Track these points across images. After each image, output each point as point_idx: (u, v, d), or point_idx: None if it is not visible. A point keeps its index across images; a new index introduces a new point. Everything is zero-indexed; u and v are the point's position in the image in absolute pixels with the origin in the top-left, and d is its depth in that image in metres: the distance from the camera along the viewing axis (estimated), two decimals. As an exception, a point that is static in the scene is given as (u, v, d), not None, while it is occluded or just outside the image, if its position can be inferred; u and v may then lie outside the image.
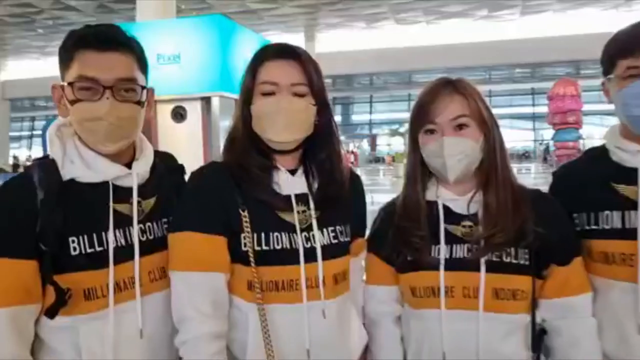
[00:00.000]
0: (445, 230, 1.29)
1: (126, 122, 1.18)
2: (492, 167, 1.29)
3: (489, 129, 1.29)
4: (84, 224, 1.14)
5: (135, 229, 1.20)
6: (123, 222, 1.19)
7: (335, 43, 24.57)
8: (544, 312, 1.31)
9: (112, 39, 1.17)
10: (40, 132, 34.72)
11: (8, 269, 1.08)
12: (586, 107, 16.37)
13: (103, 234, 1.16)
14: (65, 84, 1.16)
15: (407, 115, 1.38)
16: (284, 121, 1.20)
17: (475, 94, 1.29)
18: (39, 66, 29.87)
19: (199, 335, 1.14)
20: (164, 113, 4.36)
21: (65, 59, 1.17)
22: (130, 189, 1.21)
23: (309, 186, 1.27)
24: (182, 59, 4.45)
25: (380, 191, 15.22)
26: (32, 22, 21.51)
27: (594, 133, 31.52)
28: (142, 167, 1.26)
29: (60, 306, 1.09)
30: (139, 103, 1.21)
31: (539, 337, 1.29)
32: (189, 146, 4.18)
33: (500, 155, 1.30)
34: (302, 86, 1.23)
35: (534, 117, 30.91)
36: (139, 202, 1.22)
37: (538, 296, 1.30)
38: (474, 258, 1.26)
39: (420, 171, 1.35)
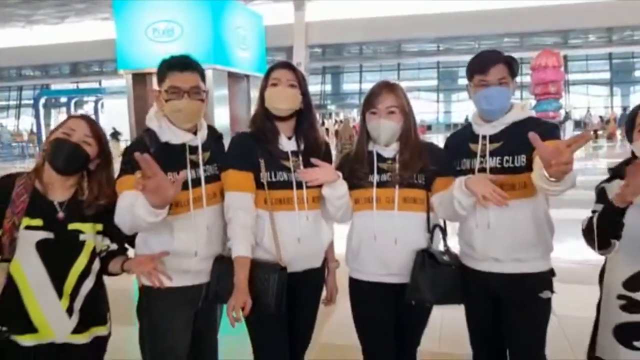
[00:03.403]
0: (377, 166, 2.17)
1: (195, 112, 2.04)
2: (408, 136, 2.20)
3: (407, 116, 2.18)
4: (173, 166, 1.96)
5: (201, 169, 2.07)
6: (194, 165, 2.05)
7: (325, 12, 24.47)
8: (433, 199, 2.16)
9: (188, 65, 2.03)
10: (29, 102, 33.73)
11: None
12: (573, 77, 16.46)
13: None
14: (163, 90, 2.02)
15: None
16: (283, 97, 2.13)
17: (403, 94, 2.18)
18: (25, 34, 29.43)
19: (243, 222, 2.02)
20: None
21: (162, 76, 2.05)
22: (196, 147, 2.07)
23: (298, 146, 2.19)
24: (175, 33, 4.66)
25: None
26: (17, -10, 21.12)
27: (580, 101, 31.72)
28: (202, 134, 2.11)
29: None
30: (202, 100, 2.06)
31: (433, 229, 2.16)
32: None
33: (414, 129, 2.20)
34: (293, 81, 2.15)
35: (521, 87, 31.07)
36: (202, 154, 2.08)
37: (430, 196, 2.17)
38: (393, 181, 2.14)
39: (365, 135, 2.25)
